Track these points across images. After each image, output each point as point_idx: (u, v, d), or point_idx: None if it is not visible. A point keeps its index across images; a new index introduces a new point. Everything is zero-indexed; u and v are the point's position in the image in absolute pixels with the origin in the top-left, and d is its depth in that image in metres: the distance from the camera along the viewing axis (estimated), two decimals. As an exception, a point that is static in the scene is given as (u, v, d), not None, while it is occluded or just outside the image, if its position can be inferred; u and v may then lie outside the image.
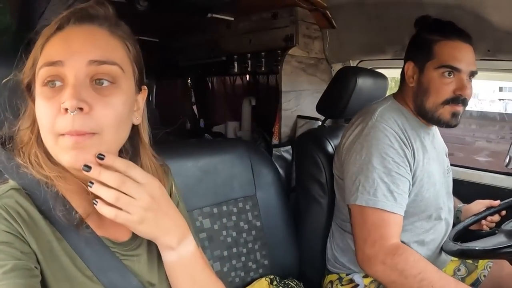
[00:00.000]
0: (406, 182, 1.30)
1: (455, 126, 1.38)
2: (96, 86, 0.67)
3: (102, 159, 0.65)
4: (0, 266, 0.59)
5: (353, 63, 2.26)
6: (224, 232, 1.39)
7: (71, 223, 0.69)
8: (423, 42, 1.37)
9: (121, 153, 0.80)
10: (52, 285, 0.67)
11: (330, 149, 1.66)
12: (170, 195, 0.90)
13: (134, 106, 0.76)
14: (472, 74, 1.35)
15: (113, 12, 0.74)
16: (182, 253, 0.77)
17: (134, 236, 0.79)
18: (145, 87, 0.80)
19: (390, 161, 1.28)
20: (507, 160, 1.94)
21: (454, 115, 1.34)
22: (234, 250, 1.40)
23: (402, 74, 1.44)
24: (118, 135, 0.71)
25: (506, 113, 6.65)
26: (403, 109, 1.42)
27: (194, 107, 3.31)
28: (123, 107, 0.69)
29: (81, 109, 0.63)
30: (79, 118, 0.63)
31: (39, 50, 0.68)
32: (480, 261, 1.54)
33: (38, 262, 0.66)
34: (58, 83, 0.65)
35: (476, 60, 1.73)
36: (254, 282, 1.41)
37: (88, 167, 0.65)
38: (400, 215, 1.27)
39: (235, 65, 2.60)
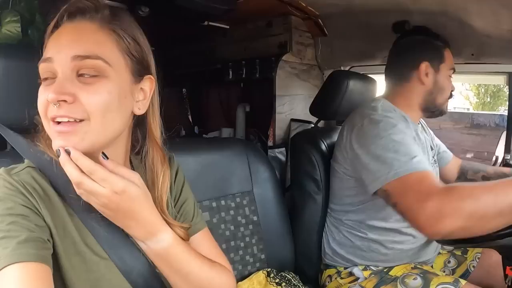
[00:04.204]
0: (425, 156, 1.34)
1: None
2: (80, 78, 0.70)
3: (69, 153, 0.68)
4: (14, 236, 0.63)
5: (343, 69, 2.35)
6: (223, 226, 1.43)
7: (83, 203, 0.73)
8: (435, 46, 1.52)
9: (133, 141, 0.86)
10: (63, 259, 0.72)
11: (323, 148, 1.73)
12: (175, 180, 0.96)
13: (134, 96, 0.79)
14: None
15: (106, 3, 0.77)
16: (153, 248, 0.78)
17: None
18: (152, 77, 0.82)
19: (407, 138, 1.32)
20: (493, 159, 2.05)
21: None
22: (232, 243, 1.44)
23: (400, 75, 1.54)
24: (107, 122, 0.72)
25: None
26: (394, 107, 1.49)
27: (189, 115, 3.37)
28: (110, 95, 0.72)
29: (64, 101, 0.68)
30: (64, 108, 0.68)
31: (44, 47, 0.73)
32: (469, 252, 1.61)
33: (51, 236, 0.70)
34: (50, 77, 0.71)
35: (461, 64, 1.85)
36: (252, 275, 1.45)
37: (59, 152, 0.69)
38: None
39: (230, 72, 2.65)
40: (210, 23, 2.11)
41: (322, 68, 2.37)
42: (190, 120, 3.38)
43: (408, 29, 1.60)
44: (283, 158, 2.12)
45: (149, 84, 0.82)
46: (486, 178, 1.70)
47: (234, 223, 1.46)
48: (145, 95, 0.81)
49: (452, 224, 1.08)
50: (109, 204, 0.70)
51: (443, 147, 1.82)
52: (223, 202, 1.45)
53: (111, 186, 0.69)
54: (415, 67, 1.49)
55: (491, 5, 1.54)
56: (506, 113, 2.01)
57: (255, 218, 1.51)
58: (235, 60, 2.58)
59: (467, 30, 1.73)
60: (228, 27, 2.31)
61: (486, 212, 1.05)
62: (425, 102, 1.53)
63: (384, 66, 2.08)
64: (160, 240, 0.78)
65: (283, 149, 2.13)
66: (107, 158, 0.71)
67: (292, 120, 2.21)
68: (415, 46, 1.53)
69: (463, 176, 1.78)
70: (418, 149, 1.31)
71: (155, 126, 0.85)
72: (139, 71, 0.79)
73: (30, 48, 0.91)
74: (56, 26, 0.73)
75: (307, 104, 2.00)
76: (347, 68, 2.31)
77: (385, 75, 1.62)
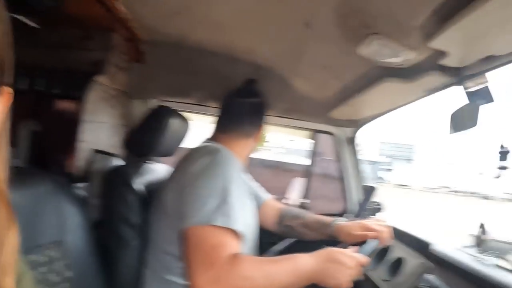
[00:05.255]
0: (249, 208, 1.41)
1: None
2: None
3: None
4: None
5: (155, 102, 2.25)
6: (32, 289, 1.12)
7: None
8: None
9: None
10: None
11: (141, 189, 1.58)
12: None
13: None
14: None
15: None
16: None
17: None
18: (9, 89, 0.54)
19: (240, 192, 1.35)
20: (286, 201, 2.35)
21: None
22: (46, 309, 1.14)
23: (246, 131, 1.63)
24: None
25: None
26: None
27: None
28: None
29: None
30: None
31: None
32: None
33: None
34: None
35: (275, 116, 2.18)
36: None
37: None
38: (238, 232, 1.26)
39: (25, 80, 2.07)
40: (15, 15, 1.63)
41: (132, 97, 2.19)
42: None
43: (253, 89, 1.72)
44: (83, 193, 1.81)
45: (1, 99, 0.53)
46: (304, 225, 1.79)
47: (47, 283, 1.16)
48: None
49: None
50: None
51: (255, 188, 1.95)
52: (33, 257, 1.13)
53: None
54: (258, 127, 1.65)
55: (321, 74, 1.74)
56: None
57: (70, 274, 1.23)
58: (34, 67, 2.02)
59: (285, 87, 1.95)
60: (37, 26, 1.86)
61: None
62: (250, 153, 1.68)
63: (196, 106, 2.16)
64: None
65: (84, 183, 1.81)
66: None
67: (96, 151, 1.91)
68: (263, 109, 1.68)
69: (281, 222, 1.86)
70: (243, 207, 1.34)
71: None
72: None
73: None
74: None
75: (112, 134, 1.81)
76: (158, 101, 2.22)
77: (225, 126, 1.64)
